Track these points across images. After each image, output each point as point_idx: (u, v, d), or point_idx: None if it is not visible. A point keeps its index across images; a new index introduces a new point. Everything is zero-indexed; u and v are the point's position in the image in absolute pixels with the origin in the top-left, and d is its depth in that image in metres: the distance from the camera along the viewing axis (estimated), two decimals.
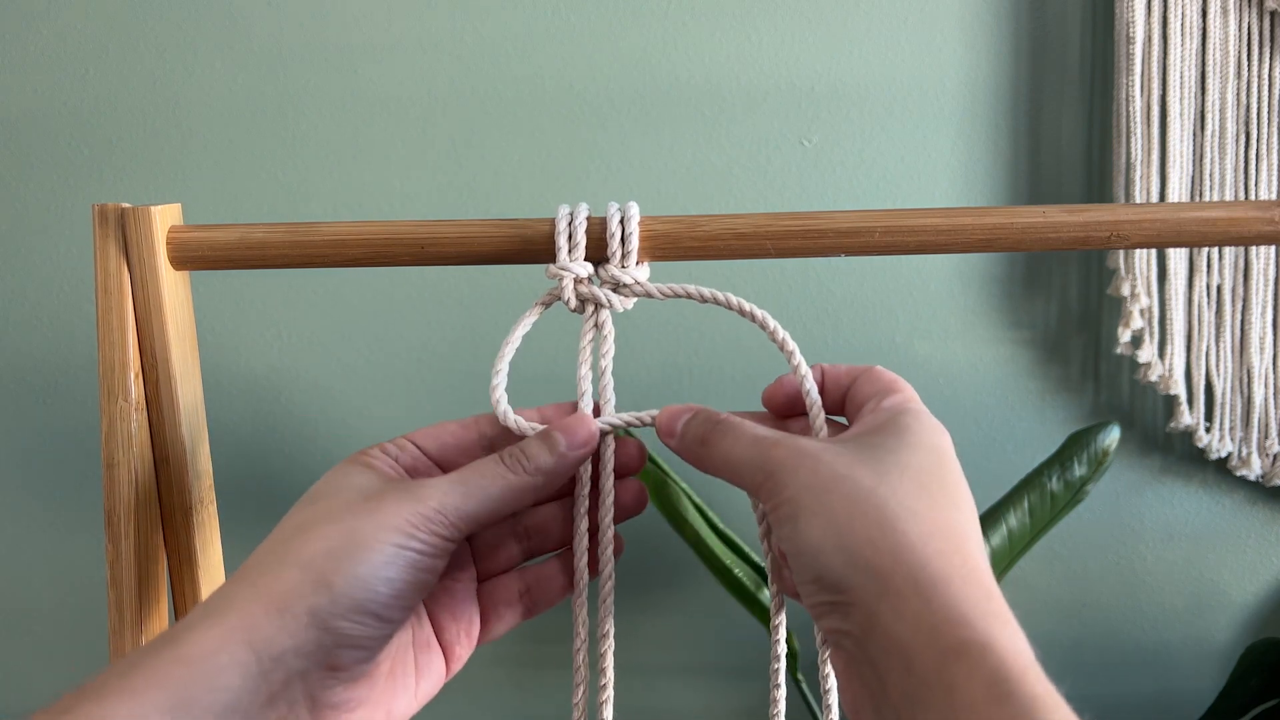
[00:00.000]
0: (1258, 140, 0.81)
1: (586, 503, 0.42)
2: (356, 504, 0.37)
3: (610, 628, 0.43)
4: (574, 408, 0.43)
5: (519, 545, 0.44)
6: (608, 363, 0.43)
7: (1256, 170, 0.81)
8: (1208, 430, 0.86)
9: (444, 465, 0.42)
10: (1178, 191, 0.81)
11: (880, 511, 0.33)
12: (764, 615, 0.74)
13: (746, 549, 0.77)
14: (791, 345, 0.42)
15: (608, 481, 0.42)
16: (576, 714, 0.42)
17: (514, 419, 0.42)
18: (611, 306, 0.43)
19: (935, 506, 0.34)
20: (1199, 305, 0.84)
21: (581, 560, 0.43)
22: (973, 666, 0.30)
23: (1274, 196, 0.82)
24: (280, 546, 0.36)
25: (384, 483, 0.38)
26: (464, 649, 0.41)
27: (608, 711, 0.43)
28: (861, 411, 0.39)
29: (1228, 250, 0.83)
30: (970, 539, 0.34)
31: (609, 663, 0.43)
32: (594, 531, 0.43)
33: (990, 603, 0.32)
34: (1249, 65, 0.80)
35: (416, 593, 0.36)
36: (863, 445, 0.36)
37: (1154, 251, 0.84)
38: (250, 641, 0.33)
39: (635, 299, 0.44)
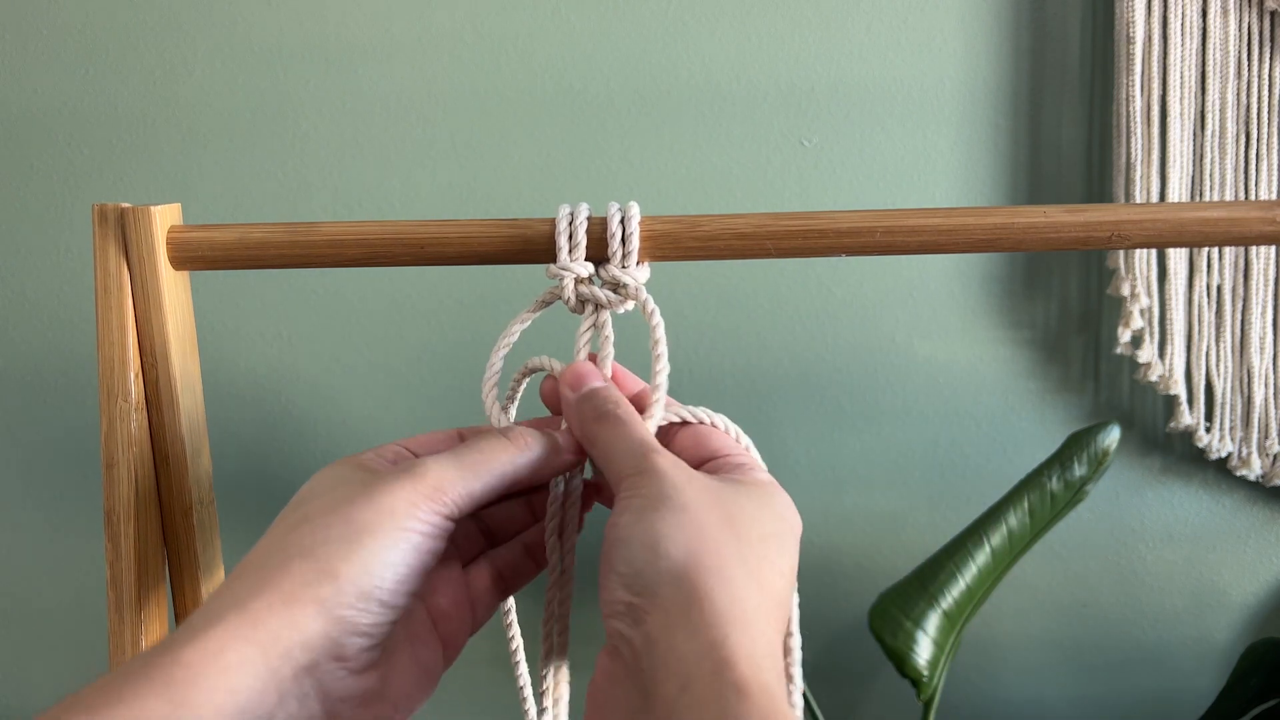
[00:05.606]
0: (1258, 140, 0.81)
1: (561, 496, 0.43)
2: (355, 493, 0.36)
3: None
4: (558, 424, 0.43)
5: (484, 540, 0.44)
6: (607, 364, 0.43)
7: (1256, 170, 0.81)
8: (1208, 430, 0.86)
9: None
10: (1178, 191, 0.81)
11: (720, 549, 0.35)
12: None
13: None
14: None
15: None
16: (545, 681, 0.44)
17: (499, 417, 0.43)
18: (611, 307, 0.43)
19: (769, 571, 0.36)
20: (1199, 305, 0.84)
21: (564, 551, 0.43)
22: (754, 705, 0.31)
23: (1274, 196, 0.82)
24: (279, 541, 0.35)
25: (375, 471, 0.38)
26: (461, 638, 0.41)
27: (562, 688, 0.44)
28: (721, 464, 0.40)
29: (1228, 250, 0.83)
30: (780, 608, 0.36)
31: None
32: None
33: (778, 667, 0.34)
34: (1249, 65, 0.80)
35: (418, 576, 0.36)
36: (735, 491, 0.38)
37: (1154, 251, 0.84)
38: (256, 638, 0.32)
39: (634, 303, 0.44)
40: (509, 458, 0.39)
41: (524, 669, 0.47)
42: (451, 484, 0.37)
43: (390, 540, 0.35)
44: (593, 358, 0.43)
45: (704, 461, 0.41)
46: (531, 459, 0.40)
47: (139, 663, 0.32)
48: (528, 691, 0.47)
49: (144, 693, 0.31)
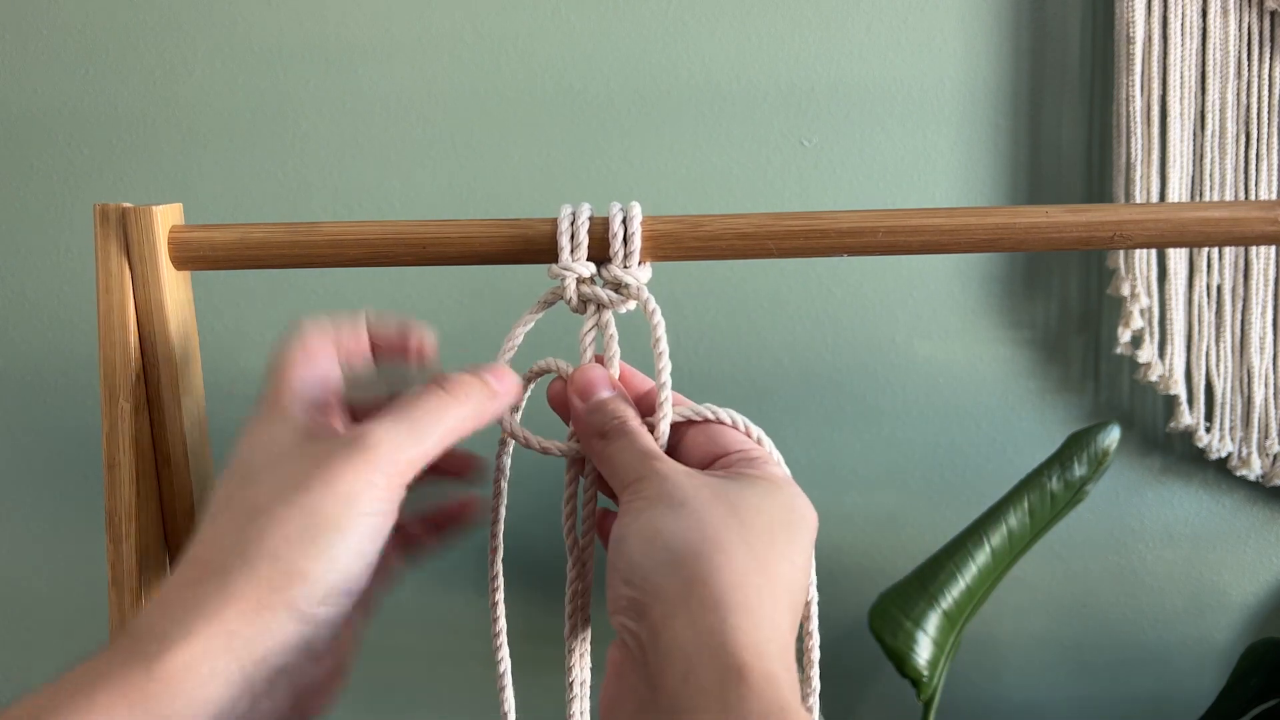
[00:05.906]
0: (1258, 140, 0.81)
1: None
2: (307, 475, 0.35)
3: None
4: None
5: None
6: (615, 364, 0.43)
7: (1256, 170, 0.81)
8: (1208, 430, 0.86)
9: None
10: (1178, 191, 0.81)
11: (720, 535, 0.35)
12: None
13: None
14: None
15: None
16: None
17: (507, 420, 0.43)
18: (613, 306, 0.43)
19: (776, 558, 0.35)
20: (1199, 305, 0.84)
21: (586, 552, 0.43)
22: (754, 691, 0.31)
23: (1274, 196, 0.82)
24: (237, 536, 0.34)
25: (317, 440, 0.37)
26: (379, 603, 0.41)
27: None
28: (734, 459, 0.40)
29: (1228, 250, 0.83)
30: (790, 596, 0.35)
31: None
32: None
33: (785, 655, 0.33)
34: (1249, 65, 0.80)
35: (376, 555, 0.36)
36: (741, 485, 0.38)
37: (1154, 251, 0.84)
38: (232, 649, 0.32)
39: (635, 303, 0.44)
40: (456, 413, 0.38)
41: (508, 680, 0.46)
42: (404, 450, 0.36)
43: (353, 531, 0.34)
44: (599, 359, 0.43)
45: (717, 458, 0.41)
46: (474, 407, 0.39)
47: (111, 671, 0.32)
48: (510, 704, 0.46)
49: (117, 704, 0.31)
